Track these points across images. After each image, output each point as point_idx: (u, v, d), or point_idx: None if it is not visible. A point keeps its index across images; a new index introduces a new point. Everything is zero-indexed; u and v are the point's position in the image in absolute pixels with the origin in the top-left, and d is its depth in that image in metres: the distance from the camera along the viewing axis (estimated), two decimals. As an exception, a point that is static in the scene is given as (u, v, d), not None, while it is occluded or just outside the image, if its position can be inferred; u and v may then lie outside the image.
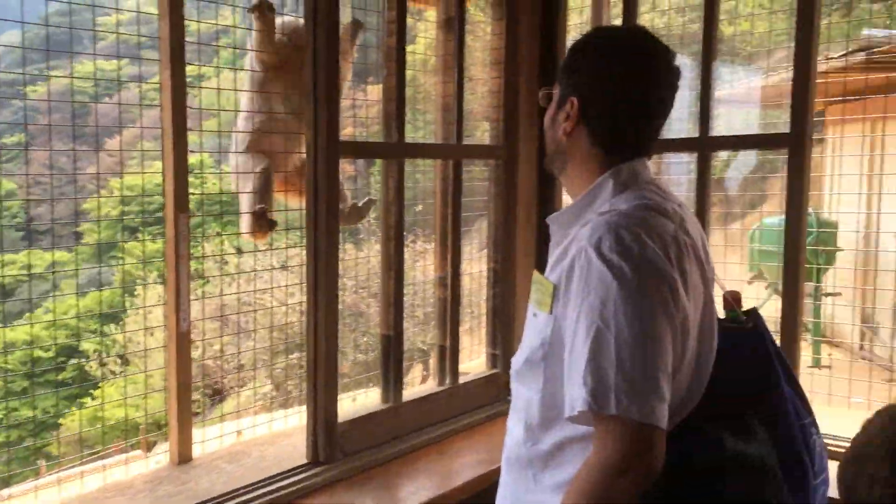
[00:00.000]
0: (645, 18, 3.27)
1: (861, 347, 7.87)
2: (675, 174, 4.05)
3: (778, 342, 2.87)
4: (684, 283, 1.33)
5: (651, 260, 1.30)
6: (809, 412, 1.49)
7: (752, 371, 1.47)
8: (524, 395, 1.48)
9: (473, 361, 3.59)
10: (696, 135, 2.72)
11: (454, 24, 2.67)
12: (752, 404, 1.42)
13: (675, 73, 1.49)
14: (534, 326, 1.47)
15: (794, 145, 2.56)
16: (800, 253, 2.66)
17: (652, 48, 1.47)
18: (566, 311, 1.35)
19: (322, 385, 2.32)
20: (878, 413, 1.23)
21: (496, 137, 2.94)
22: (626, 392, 1.22)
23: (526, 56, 2.93)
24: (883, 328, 7.68)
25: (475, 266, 3.38)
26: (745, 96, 7.29)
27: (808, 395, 1.53)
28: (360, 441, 2.46)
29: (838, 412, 3.31)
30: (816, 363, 7.31)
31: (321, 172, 2.26)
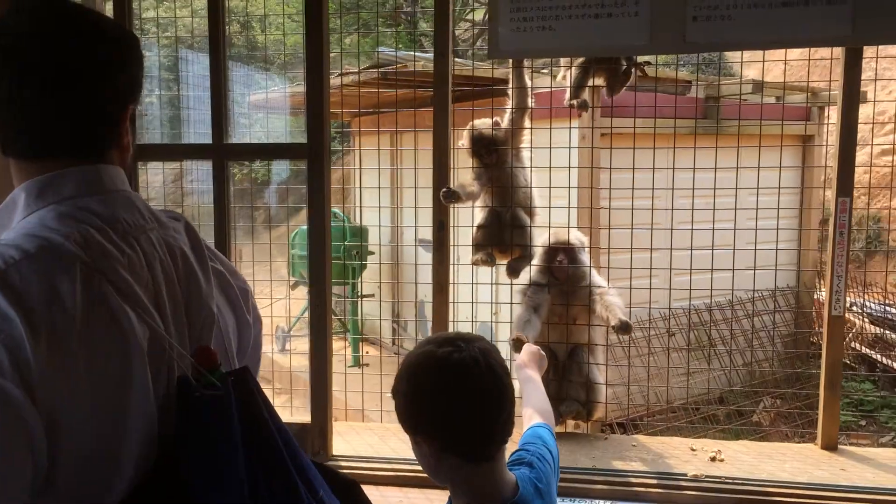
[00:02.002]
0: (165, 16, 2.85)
1: (393, 343, 8.56)
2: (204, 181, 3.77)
3: (308, 343, 2.80)
4: (89, 350, 0.95)
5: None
6: (311, 492, 1.12)
7: (216, 448, 1.07)
8: None
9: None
10: (211, 142, 2.44)
11: None
12: (213, 481, 1.05)
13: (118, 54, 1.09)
14: None
15: (312, 156, 2.44)
16: (325, 259, 2.58)
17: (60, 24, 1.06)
18: None
19: None
20: None
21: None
22: None
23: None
24: (410, 325, 8.45)
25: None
26: (283, 104, 7.32)
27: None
28: None
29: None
30: (356, 362, 7.70)
31: None
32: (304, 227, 8.55)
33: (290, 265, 8.40)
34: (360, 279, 8.29)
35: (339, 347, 8.64)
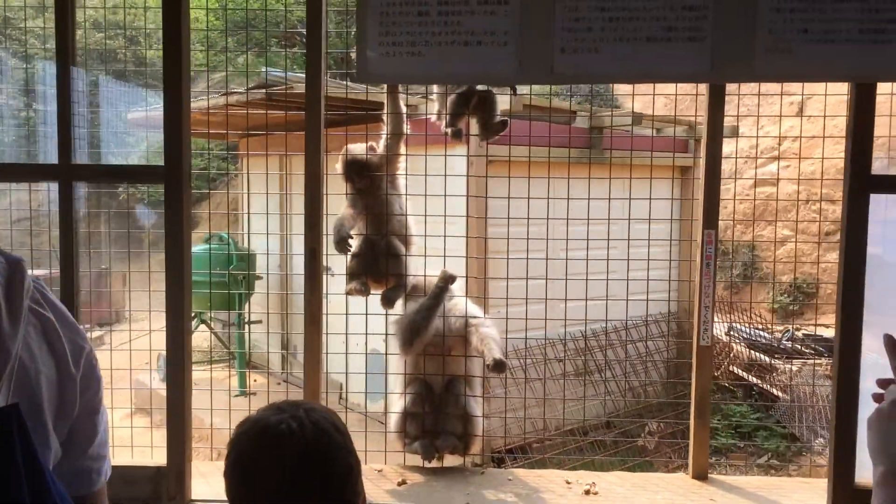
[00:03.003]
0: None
1: (282, 370, 8.30)
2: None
3: (165, 380, 2.61)
4: None
5: None
6: None
7: None
8: None
9: None
10: (57, 161, 2.25)
11: None
12: None
13: None
14: None
15: (169, 180, 2.29)
16: (184, 290, 2.42)
17: None
18: None
19: None
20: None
21: None
22: None
23: None
24: (300, 353, 8.21)
25: None
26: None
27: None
28: None
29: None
30: (243, 392, 7.41)
31: None
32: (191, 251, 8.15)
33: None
34: (247, 307, 8.02)
35: (225, 376, 8.31)
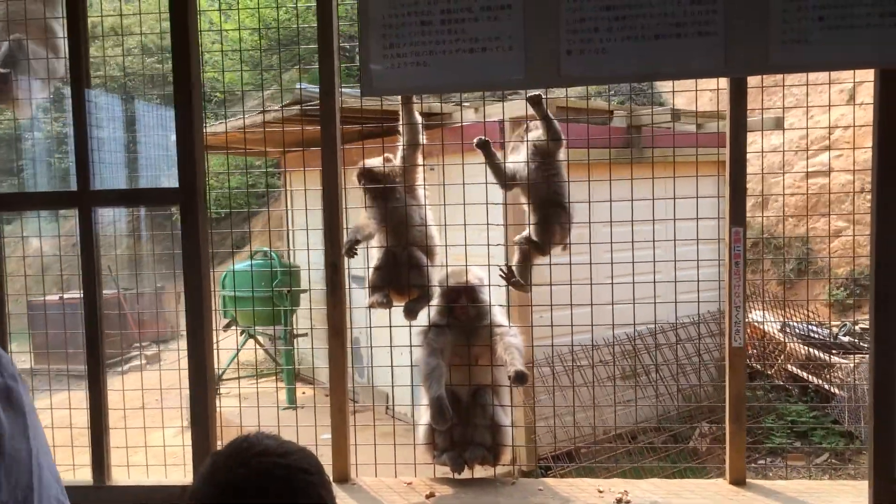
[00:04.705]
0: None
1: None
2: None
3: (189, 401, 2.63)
4: None
5: None
6: None
7: None
8: None
9: None
10: (76, 188, 2.29)
11: None
12: None
13: None
14: None
15: (184, 201, 2.31)
16: (203, 313, 2.45)
17: None
18: None
19: None
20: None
21: None
22: None
23: None
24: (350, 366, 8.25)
25: None
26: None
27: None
28: None
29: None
30: (292, 404, 7.49)
31: None
32: (233, 267, 8.30)
33: (220, 306, 8.18)
34: (291, 323, 8.08)
35: (273, 390, 8.39)
